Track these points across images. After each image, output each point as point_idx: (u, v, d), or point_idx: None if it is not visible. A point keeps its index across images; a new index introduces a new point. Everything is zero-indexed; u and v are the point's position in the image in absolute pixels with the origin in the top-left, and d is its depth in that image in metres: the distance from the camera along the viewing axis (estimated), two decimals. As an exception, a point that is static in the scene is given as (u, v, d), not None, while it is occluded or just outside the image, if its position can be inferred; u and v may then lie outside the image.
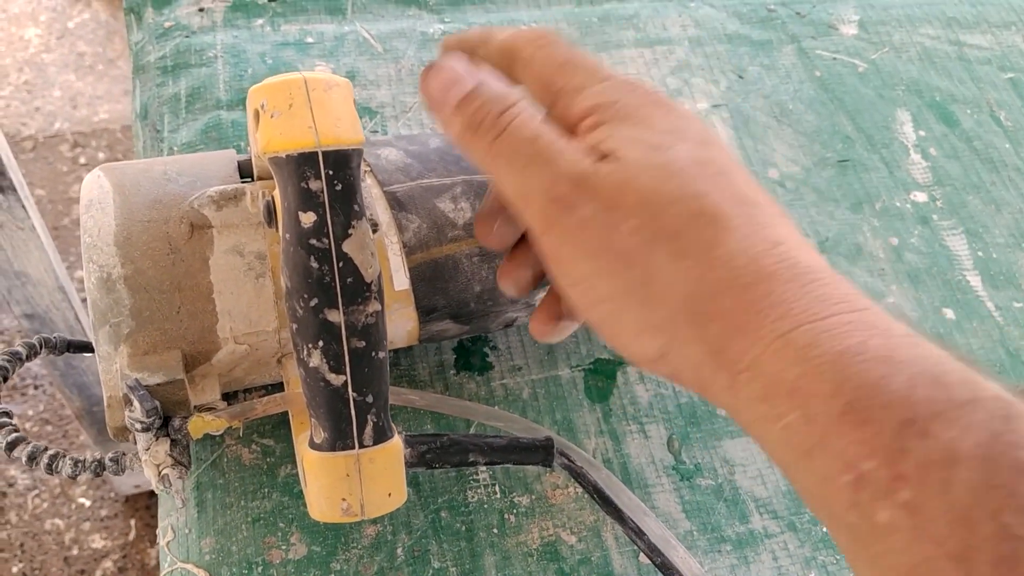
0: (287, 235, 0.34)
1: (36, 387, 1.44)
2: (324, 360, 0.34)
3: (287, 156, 0.33)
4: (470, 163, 0.45)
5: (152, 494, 1.35)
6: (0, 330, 1.48)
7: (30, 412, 1.41)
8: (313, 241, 0.33)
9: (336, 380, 0.34)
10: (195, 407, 0.40)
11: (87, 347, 0.46)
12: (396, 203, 0.42)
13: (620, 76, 0.33)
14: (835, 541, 0.26)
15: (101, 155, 1.71)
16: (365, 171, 0.43)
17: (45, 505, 1.33)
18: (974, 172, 0.61)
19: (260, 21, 0.60)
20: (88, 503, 1.35)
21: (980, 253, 0.57)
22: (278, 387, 0.45)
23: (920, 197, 0.60)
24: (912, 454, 0.23)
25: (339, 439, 0.35)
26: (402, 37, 0.62)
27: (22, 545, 1.29)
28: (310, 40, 0.60)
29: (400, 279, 0.42)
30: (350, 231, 0.34)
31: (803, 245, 0.29)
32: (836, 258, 0.55)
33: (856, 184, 0.59)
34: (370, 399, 0.35)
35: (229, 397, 0.45)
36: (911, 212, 0.59)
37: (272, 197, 0.37)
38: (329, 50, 0.60)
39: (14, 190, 0.77)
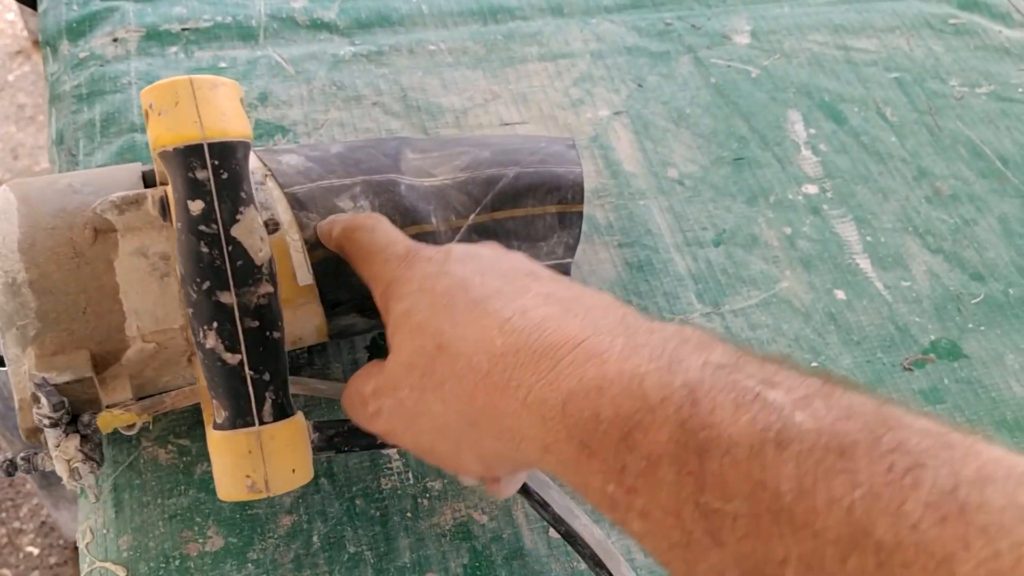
0: (179, 224, 0.36)
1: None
2: (219, 340, 0.36)
3: (174, 149, 0.35)
4: (369, 166, 0.47)
5: (100, 542, 1.34)
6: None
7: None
8: (202, 227, 0.35)
9: (232, 359, 0.36)
10: (107, 406, 0.41)
11: None
12: (297, 203, 0.44)
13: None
14: None
15: (42, 206, 1.71)
16: (266, 175, 0.45)
17: (-10, 558, 1.31)
18: (862, 164, 0.65)
19: (174, 49, 0.63)
20: (36, 551, 1.32)
21: (869, 238, 0.61)
22: (192, 388, 0.46)
23: (811, 189, 0.63)
24: (629, 468, 0.26)
25: (239, 416, 0.36)
26: (313, 59, 0.64)
27: (-32, 599, 1.27)
28: (223, 65, 0.62)
29: (303, 275, 0.44)
30: (238, 217, 0.36)
31: (530, 311, 0.31)
32: (734, 248, 0.58)
33: (751, 180, 0.63)
34: (267, 377, 0.37)
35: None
36: (803, 203, 0.62)
37: (166, 193, 0.39)
38: (242, 73, 0.62)
39: None
